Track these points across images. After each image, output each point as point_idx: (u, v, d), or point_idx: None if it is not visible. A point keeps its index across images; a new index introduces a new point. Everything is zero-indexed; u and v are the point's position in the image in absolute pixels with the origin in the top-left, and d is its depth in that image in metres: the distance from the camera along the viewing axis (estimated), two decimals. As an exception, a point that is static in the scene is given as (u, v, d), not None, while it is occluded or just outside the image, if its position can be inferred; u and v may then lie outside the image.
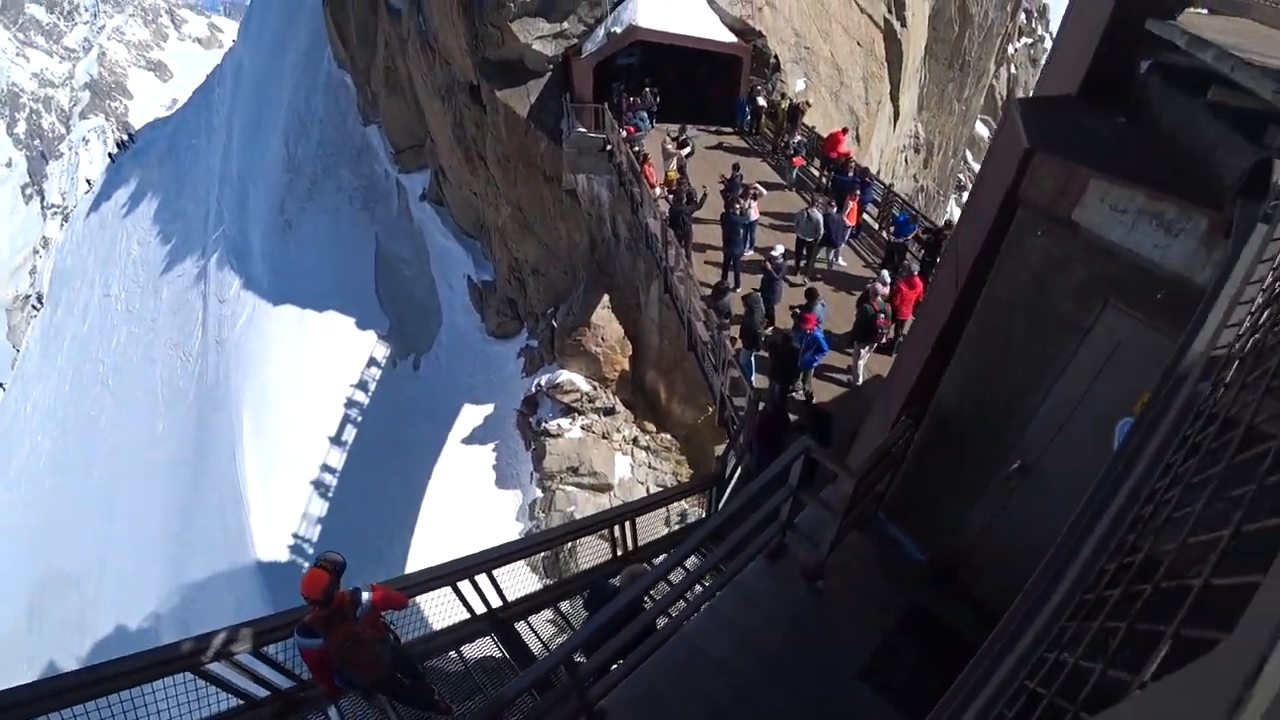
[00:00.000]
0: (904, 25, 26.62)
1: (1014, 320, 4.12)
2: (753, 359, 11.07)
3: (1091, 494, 1.97)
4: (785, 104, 19.00)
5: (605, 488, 21.13)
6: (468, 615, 7.09)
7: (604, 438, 21.72)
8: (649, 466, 21.74)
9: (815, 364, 10.19)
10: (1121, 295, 3.58)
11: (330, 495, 23.74)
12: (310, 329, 27.82)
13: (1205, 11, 5.05)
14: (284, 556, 22.40)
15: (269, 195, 33.53)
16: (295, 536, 22.81)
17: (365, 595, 5.09)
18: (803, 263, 13.64)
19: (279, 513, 23.26)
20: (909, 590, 5.16)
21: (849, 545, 5.41)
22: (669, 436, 21.94)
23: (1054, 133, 4.09)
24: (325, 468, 24.23)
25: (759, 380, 10.85)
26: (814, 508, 5.04)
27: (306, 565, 22.33)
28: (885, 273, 11.68)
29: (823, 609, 5.03)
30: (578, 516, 20.38)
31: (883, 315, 10.35)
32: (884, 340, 10.88)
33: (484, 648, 7.32)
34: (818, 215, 12.88)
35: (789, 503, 4.78)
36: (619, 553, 8.86)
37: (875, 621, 4.95)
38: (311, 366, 26.43)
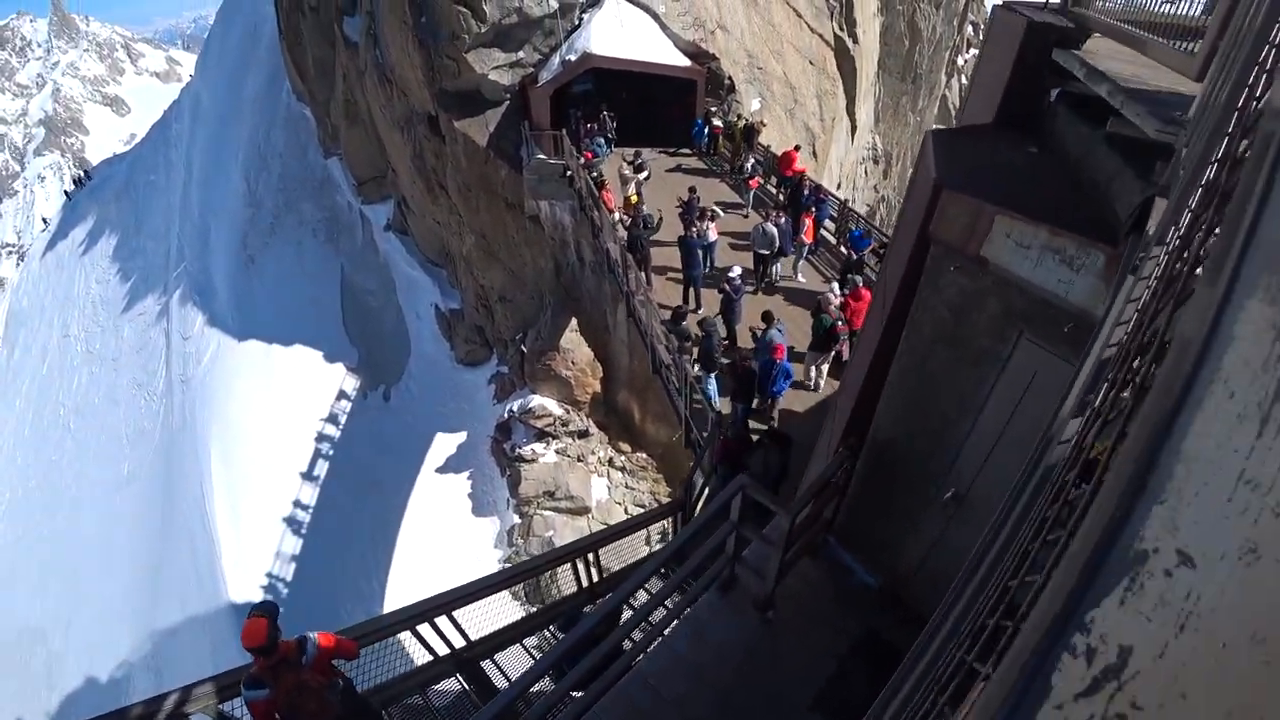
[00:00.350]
0: (856, 42, 27.30)
1: (937, 352, 4.18)
2: (713, 381, 11.15)
3: (975, 551, 2.07)
4: (741, 124, 19.34)
5: (583, 511, 21.04)
6: (432, 657, 7.03)
7: (579, 460, 21.67)
8: (626, 487, 21.67)
9: (784, 390, 10.31)
10: (1033, 329, 3.63)
11: (304, 532, 23.35)
12: (277, 364, 27.45)
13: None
14: (259, 597, 21.96)
15: (230, 230, 33.12)
16: (269, 576, 22.38)
17: (312, 642, 5.00)
18: (763, 279, 13.89)
19: (251, 552, 22.80)
20: (861, 616, 5.19)
21: (801, 573, 5.44)
22: (645, 456, 21.95)
23: (963, 167, 4.14)
24: (298, 504, 23.85)
25: (724, 404, 10.96)
26: (757, 543, 5.13)
27: (283, 606, 21.92)
28: (835, 284, 11.89)
29: (775, 639, 5.06)
30: (556, 540, 20.20)
31: (840, 323, 10.58)
32: (840, 348, 11.06)
33: (453, 688, 7.29)
34: (771, 228, 13.21)
35: (733, 537, 4.84)
36: (585, 584, 8.78)
37: (827, 649, 4.98)
38: (280, 402, 26.06)
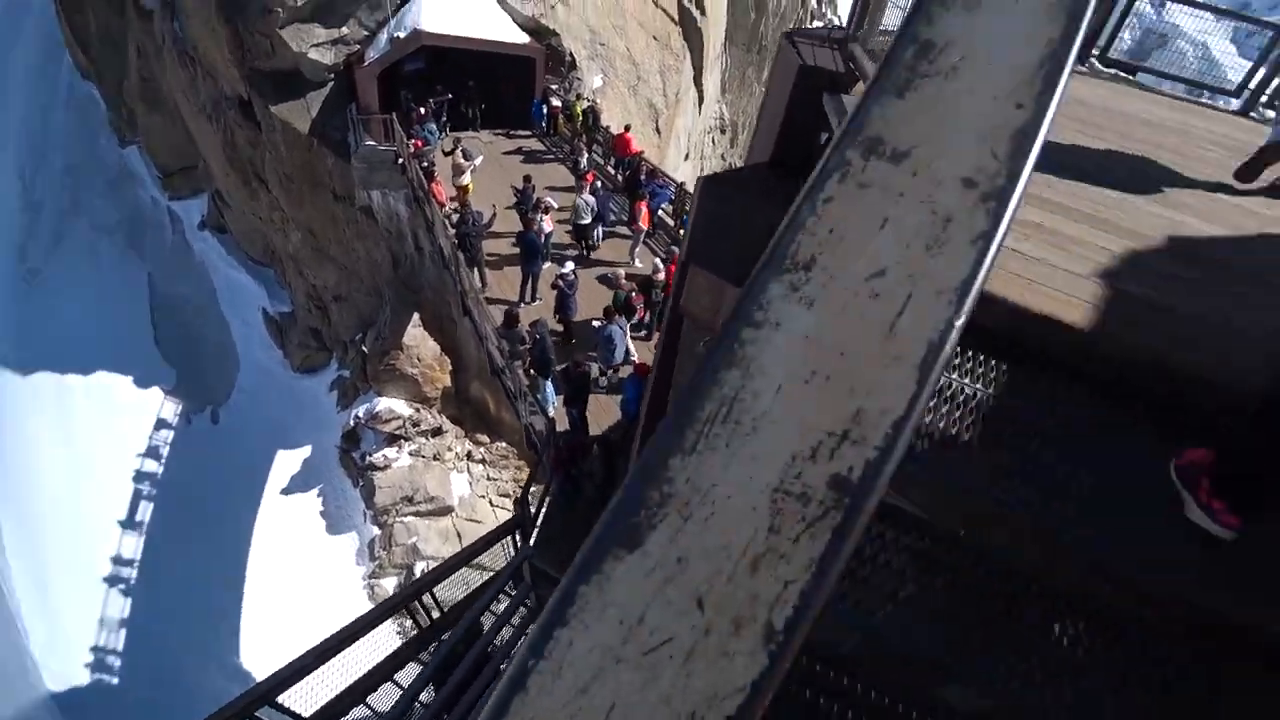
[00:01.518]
0: (703, 14, 27.37)
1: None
2: (549, 385, 11.01)
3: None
4: (580, 106, 18.73)
5: (445, 511, 20.22)
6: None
7: (435, 459, 20.69)
8: (488, 479, 21.11)
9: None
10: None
11: (131, 590, 20.58)
12: (75, 398, 23.62)
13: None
14: (83, 679, 19.24)
15: (4, 240, 27.69)
16: (94, 650, 19.63)
17: None
18: (585, 249, 14.26)
19: (67, 630, 19.85)
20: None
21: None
22: (504, 444, 21.25)
23: (716, 233, 4.01)
24: (118, 560, 20.96)
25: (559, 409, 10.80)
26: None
27: (115, 682, 19.18)
28: (658, 260, 12.52)
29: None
30: (421, 546, 19.57)
31: (634, 294, 11.26)
32: (640, 317, 11.61)
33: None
34: (587, 198, 13.60)
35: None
36: (425, 625, 8.32)
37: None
38: (82, 442, 22.55)
